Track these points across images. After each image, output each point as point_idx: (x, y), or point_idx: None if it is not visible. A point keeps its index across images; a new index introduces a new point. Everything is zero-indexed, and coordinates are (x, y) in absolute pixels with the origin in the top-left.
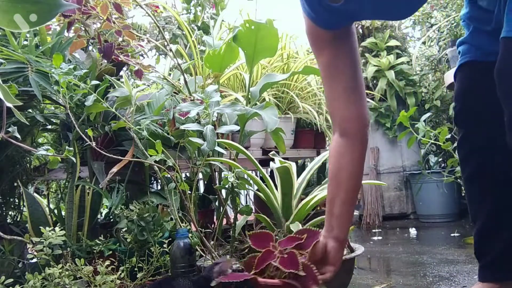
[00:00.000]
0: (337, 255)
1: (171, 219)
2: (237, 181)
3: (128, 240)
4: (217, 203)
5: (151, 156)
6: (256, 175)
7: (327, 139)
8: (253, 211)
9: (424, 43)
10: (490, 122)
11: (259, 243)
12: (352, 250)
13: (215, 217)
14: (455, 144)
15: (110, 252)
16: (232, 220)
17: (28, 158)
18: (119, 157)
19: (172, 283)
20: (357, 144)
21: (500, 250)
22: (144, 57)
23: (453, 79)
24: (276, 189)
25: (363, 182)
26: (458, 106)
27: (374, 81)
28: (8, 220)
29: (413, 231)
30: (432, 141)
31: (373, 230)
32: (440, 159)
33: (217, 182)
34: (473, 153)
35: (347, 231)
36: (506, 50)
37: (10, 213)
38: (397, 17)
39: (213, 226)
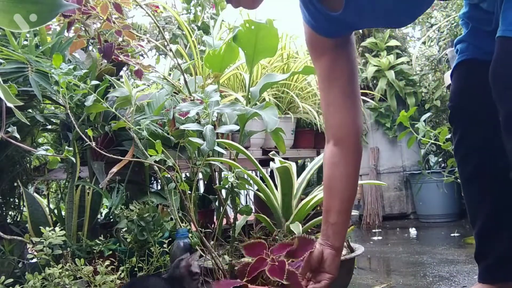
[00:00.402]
0: (334, 262)
1: (171, 219)
2: (237, 181)
3: (128, 240)
4: (217, 203)
5: (151, 156)
6: (256, 175)
7: None
8: (253, 211)
9: (424, 43)
10: (487, 121)
11: (253, 252)
12: (352, 250)
13: (215, 217)
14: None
15: (110, 252)
16: (232, 220)
17: (28, 158)
18: (119, 157)
19: (144, 282)
20: (351, 154)
21: (500, 250)
22: (144, 57)
23: (450, 78)
24: (276, 189)
25: (363, 182)
26: (453, 105)
27: (374, 81)
28: (8, 220)
29: (413, 231)
30: (432, 141)
31: (373, 230)
32: (440, 159)
33: (217, 182)
34: (471, 154)
35: (343, 240)
36: (502, 49)
37: (10, 213)
38: (397, 26)
39: (213, 226)
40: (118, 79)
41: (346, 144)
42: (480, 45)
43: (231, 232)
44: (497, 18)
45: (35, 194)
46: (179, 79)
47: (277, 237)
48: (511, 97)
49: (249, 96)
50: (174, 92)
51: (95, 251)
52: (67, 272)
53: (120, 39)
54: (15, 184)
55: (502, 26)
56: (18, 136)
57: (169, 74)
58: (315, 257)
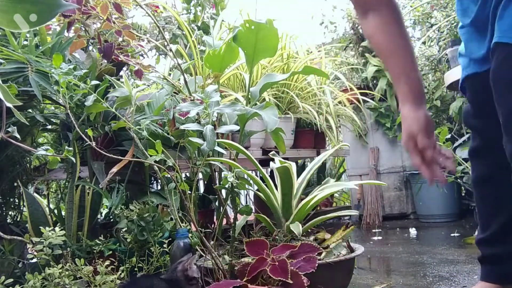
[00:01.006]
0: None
1: (171, 219)
2: (237, 181)
3: (128, 240)
4: (217, 203)
5: (151, 156)
6: (256, 175)
7: (327, 139)
8: (253, 211)
9: (424, 43)
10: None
11: (254, 249)
12: (352, 250)
13: (215, 217)
14: (455, 144)
15: (110, 252)
16: (232, 220)
17: (28, 158)
18: (119, 157)
19: (142, 283)
20: (394, 12)
21: (504, 252)
22: (144, 57)
23: (460, 84)
24: (276, 189)
25: (363, 182)
26: (472, 111)
27: (374, 81)
28: (8, 220)
29: (413, 231)
30: None
31: (373, 230)
32: None
33: (217, 182)
34: (486, 156)
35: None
36: (498, 55)
37: (10, 213)
38: None
39: (213, 226)
40: (118, 79)
41: (385, 8)
42: (472, 53)
43: (231, 232)
44: (478, 12)
45: (35, 194)
46: (179, 79)
47: (277, 237)
48: (509, 100)
49: (249, 96)
50: (174, 92)
51: (95, 251)
52: (67, 272)
53: (120, 39)
54: (15, 184)
55: (497, 33)
56: (18, 136)
57: (169, 74)
58: (428, 120)
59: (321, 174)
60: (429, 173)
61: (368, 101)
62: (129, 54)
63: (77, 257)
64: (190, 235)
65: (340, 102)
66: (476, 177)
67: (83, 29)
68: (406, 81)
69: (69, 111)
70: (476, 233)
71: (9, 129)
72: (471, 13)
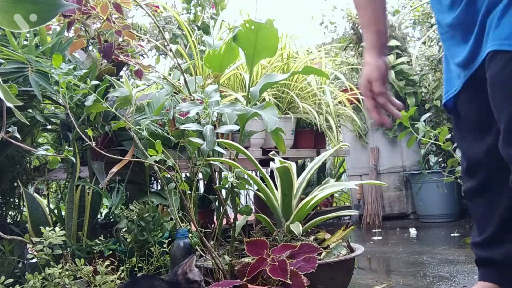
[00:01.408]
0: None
1: (171, 219)
2: (237, 181)
3: (128, 240)
4: (217, 203)
5: (151, 156)
6: (256, 175)
7: (327, 139)
8: (253, 211)
9: (424, 43)
10: (492, 133)
11: (255, 249)
12: (352, 250)
13: (215, 217)
14: (455, 144)
15: (110, 252)
16: (232, 220)
17: (28, 158)
18: (119, 157)
19: (143, 283)
20: None
21: (501, 254)
22: (144, 57)
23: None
24: (276, 189)
25: (363, 182)
26: (458, 133)
27: None
28: (8, 220)
29: (413, 231)
30: (432, 141)
31: (373, 230)
32: (440, 159)
33: (217, 182)
34: (477, 174)
35: None
36: (497, 62)
37: (10, 213)
38: None
39: (213, 226)
40: (118, 79)
41: None
42: (456, 59)
43: (231, 232)
44: (462, 15)
45: (35, 194)
46: (179, 79)
47: (277, 237)
48: (510, 105)
49: (249, 96)
50: (174, 92)
51: (95, 251)
52: (67, 272)
53: (120, 39)
54: (15, 184)
55: (495, 41)
56: (18, 136)
57: (169, 74)
58: (387, 70)
59: (321, 174)
60: (378, 117)
61: None
62: (129, 54)
63: (77, 257)
64: (190, 235)
65: (340, 102)
66: (467, 188)
67: (83, 29)
68: (375, 32)
69: (69, 111)
70: (472, 235)
71: (10, 129)
72: (454, 12)
